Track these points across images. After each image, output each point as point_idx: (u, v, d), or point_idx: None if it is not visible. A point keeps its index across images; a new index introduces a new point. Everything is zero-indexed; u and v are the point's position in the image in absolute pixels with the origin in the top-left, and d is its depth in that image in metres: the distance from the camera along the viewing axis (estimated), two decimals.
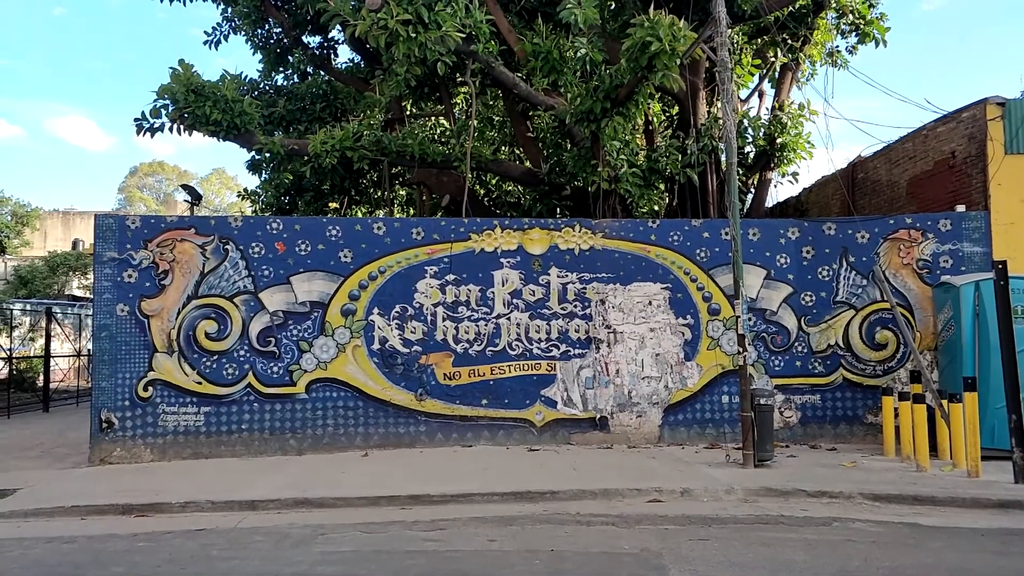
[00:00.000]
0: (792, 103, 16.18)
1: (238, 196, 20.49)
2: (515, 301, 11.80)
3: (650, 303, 11.88)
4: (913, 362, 11.42)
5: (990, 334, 9.93)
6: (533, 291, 11.83)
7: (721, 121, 11.81)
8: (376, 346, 11.55)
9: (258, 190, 18.40)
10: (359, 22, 11.74)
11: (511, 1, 14.74)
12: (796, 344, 11.92)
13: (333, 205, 17.85)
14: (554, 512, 8.14)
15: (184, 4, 16.65)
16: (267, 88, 17.88)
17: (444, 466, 10.20)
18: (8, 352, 19.68)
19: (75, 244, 37.70)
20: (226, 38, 17.51)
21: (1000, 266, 9.26)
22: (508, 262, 11.85)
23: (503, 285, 11.81)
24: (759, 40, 16.52)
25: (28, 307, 23.14)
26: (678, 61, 11.30)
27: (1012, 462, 8.89)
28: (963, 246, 11.78)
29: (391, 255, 11.68)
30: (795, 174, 16.27)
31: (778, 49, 16.15)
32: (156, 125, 13.48)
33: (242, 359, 11.29)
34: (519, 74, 14.11)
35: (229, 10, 17.09)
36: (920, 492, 8.50)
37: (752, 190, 16.62)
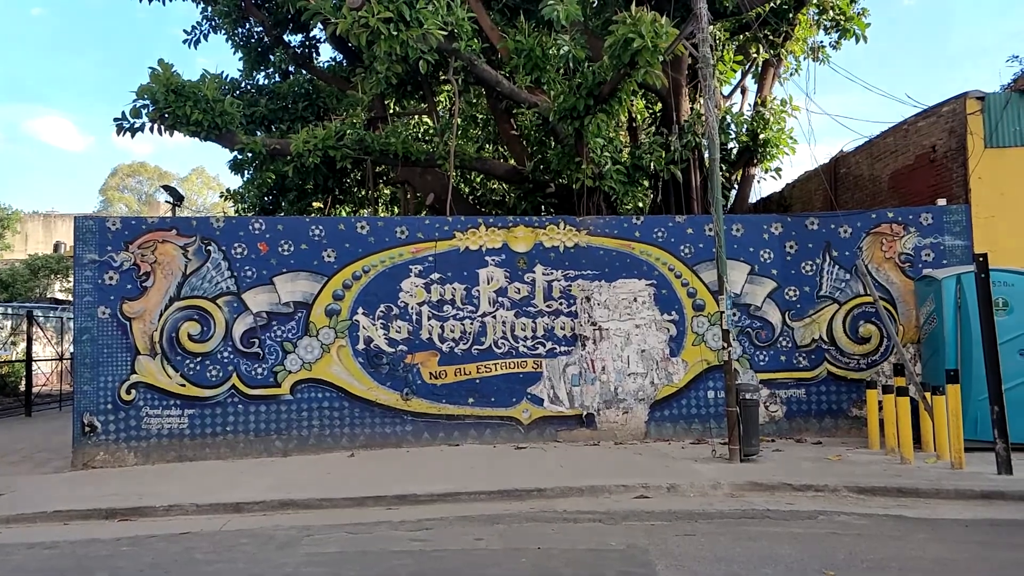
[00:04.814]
0: (774, 99, 16.25)
1: (220, 196, 20.35)
2: (500, 299, 11.78)
3: (635, 300, 11.90)
4: (896, 355, 11.50)
5: (972, 326, 10.01)
6: (518, 289, 11.82)
7: (704, 117, 11.84)
8: (361, 346, 11.51)
9: (241, 190, 18.28)
10: (340, 20, 11.68)
11: None
12: (781, 339, 11.97)
13: (317, 204, 17.76)
14: (541, 510, 8.13)
15: (163, 3, 16.50)
16: (248, 87, 17.76)
17: (430, 465, 10.17)
18: None
19: (56, 247, 37.31)
20: (206, 37, 17.41)
21: (981, 259, 9.32)
22: (493, 260, 11.83)
23: (488, 283, 11.79)
24: (741, 36, 16.57)
25: (9, 310, 22.88)
26: (660, 58, 11.32)
27: (995, 453, 8.95)
28: (944, 239, 11.87)
29: (375, 254, 11.63)
30: (778, 170, 16.35)
31: (760, 45, 16.21)
32: (136, 125, 13.35)
33: (226, 360, 11.21)
34: (502, 72, 14.08)
35: (209, 9, 16.96)
36: (904, 484, 8.55)
37: (735, 186, 16.68)
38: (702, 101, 11.77)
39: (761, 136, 15.37)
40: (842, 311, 11.99)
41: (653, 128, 16.86)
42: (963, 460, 9.22)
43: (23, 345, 20.27)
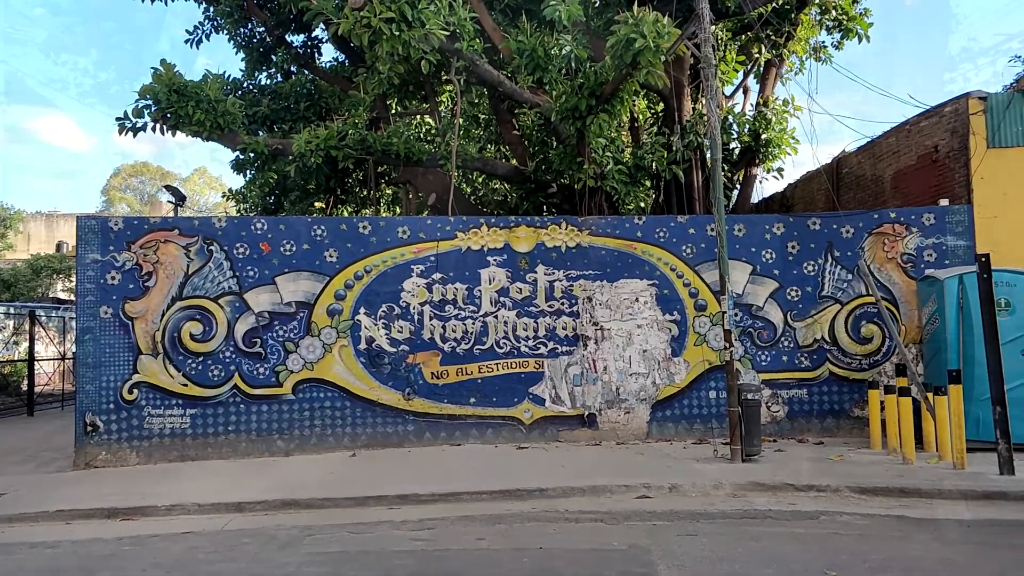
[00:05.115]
0: (777, 99, 16.23)
1: (223, 196, 20.36)
2: (502, 299, 11.78)
3: (637, 300, 11.89)
4: (898, 355, 11.48)
5: (974, 327, 9.99)
6: (520, 289, 11.82)
7: (706, 117, 11.83)
8: (363, 346, 11.51)
9: (243, 190, 18.28)
10: (342, 20, 11.68)
11: None
12: (782, 339, 11.96)
13: (319, 204, 17.77)
14: (543, 509, 8.14)
15: (166, 3, 16.49)
16: (250, 87, 17.76)
17: (432, 465, 10.18)
18: None
19: (59, 246, 37.34)
20: (208, 37, 17.40)
21: (983, 259, 9.31)
22: (495, 260, 11.83)
23: (490, 283, 11.80)
24: (743, 36, 16.56)
25: (12, 310, 22.90)
26: (662, 58, 11.30)
27: (997, 453, 8.94)
28: (947, 240, 11.85)
29: (377, 254, 11.64)
30: (780, 170, 16.32)
31: (762, 45, 16.20)
32: (139, 125, 13.37)
33: (228, 360, 11.22)
34: (504, 72, 14.09)
35: (211, 10, 16.97)
36: (907, 485, 8.54)
37: (737, 186, 16.66)
38: (704, 101, 11.76)
39: (763, 136, 15.35)
40: (844, 311, 11.98)
41: (655, 128, 16.84)
42: (965, 460, 9.21)
43: (25, 345, 20.30)
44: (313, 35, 17.94)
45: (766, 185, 25.90)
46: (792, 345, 11.96)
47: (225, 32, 17.24)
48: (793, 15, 15.40)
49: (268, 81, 18.29)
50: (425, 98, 17.30)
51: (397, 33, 11.61)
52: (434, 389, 11.59)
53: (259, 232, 11.47)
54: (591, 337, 11.83)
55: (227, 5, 16.43)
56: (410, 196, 18.07)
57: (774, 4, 14.75)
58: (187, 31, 17.32)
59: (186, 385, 11.11)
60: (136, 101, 13.17)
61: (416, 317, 11.64)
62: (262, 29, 17.32)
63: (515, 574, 6.16)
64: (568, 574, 6.17)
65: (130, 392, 10.99)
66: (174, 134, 13.70)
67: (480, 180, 20.25)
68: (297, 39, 17.95)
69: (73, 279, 25.92)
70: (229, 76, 17.35)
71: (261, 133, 16.36)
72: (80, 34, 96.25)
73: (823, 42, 16.72)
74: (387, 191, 20.47)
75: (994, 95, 11.91)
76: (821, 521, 7.55)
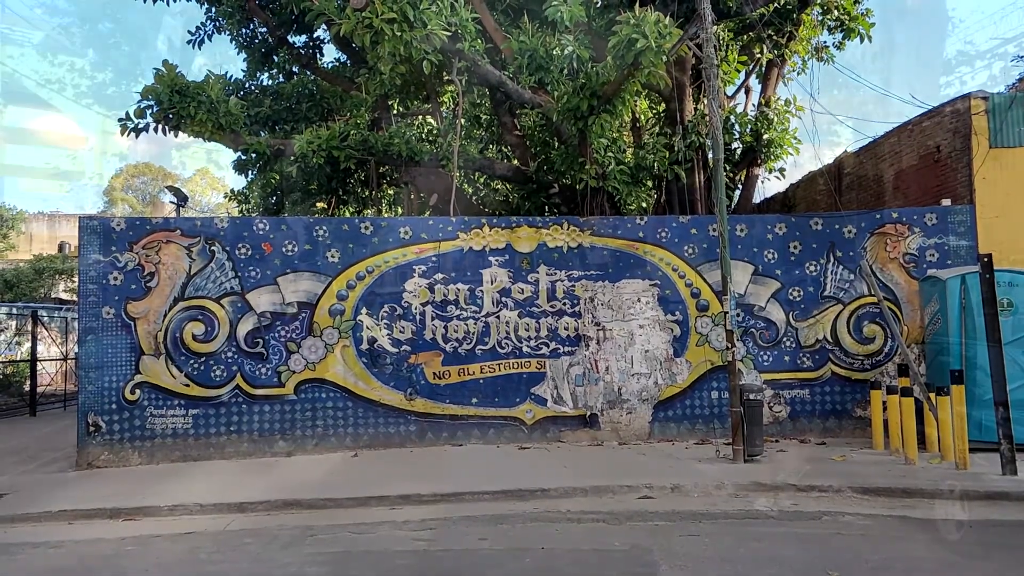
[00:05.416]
0: (778, 99, 16.23)
1: (224, 197, 20.38)
2: (504, 299, 11.78)
3: (639, 300, 11.89)
4: (901, 355, 11.47)
5: (976, 327, 9.98)
6: (522, 289, 11.82)
7: (708, 118, 11.83)
8: (365, 346, 11.51)
9: (245, 191, 18.29)
10: (344, 21, 11.68)
11: None
12: (784, 339, 11.95)
13: (320, 205, 17.77)
14: (545, 510, 8.14)
15: (168, 3, 16.50)
16: (252, 88, 17.78)
17: (434, 465, 10.18)
18: None
19: (61, 247, 37.33)
20: (210, 38, 17.41)
21: (986, 259, 9.30)
22: (497, 260, 11.83)
23: (492, 283, 11.80)
24: (745, 36, 16.56)
25: (14, 311, 22.91)
26: (664, 58, 11.29)
27: (999, 454, 8.93)
28: (949, 240, 11.84)
29: (379, 255, 11.64)
30: (782, 170, 16.33)
31: (764, 45, 16.19)
32: (141, 125, 13.39)
33: (230, 361, 11.23)
34: (506, 72, 14.09)
35: (213, 10, 16.99)
36: (909, 485, 8.53)
37: (739, 186, 16.66)
38: (706, 101, 11.75)
39: (765, 136, 15.35)
40: (846, 311, 11.97)
41: (657, 128, 16.84)
42: (967, 461, 9.20)
43: (28, 345, 20.32)
44: (315, 36, 17.95)
45: (768, 185, 25.81)
46: (794, 345, 11.95)
47: (227, 32, 17.25)
48: (795, 15, 15.39)
49: (270, 82, 18.31)
50: (427, 99, 17.29)
51: (399, 34, 11.61)
52: (436, 389, 11.59)
53: (261, 232, 11.48)
54: (593, 337, 11.83)
55: (229, 6, 16.45)
56: (411, 196, 18.09)
57: (776, 4, 14.74)
58: (189, 32, 17.33)
59: (188, 385, 11.12)
60: (138, 101, 13.19)
61: (418, 317, 11.65)
62: (264, 30, 17.34)
63: (517, 574, 6.16)
64: (570, 574, 6.17)
65: (132, 392, 11.00)
66: (176, 134, 13.72)
67: (482, 180, 20.24)
68: (299, 40, 17.97)
69: (75, 280, 25.97)
70: (231, 76, 17.38)
71: (263, 133, 16.38)
72: (77, 35, 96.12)
73: (825, 42, 16.72)
74: (388, 191, 20.44)
75: (996, 95, 11.91)
76: (823, 521, 7.54)
